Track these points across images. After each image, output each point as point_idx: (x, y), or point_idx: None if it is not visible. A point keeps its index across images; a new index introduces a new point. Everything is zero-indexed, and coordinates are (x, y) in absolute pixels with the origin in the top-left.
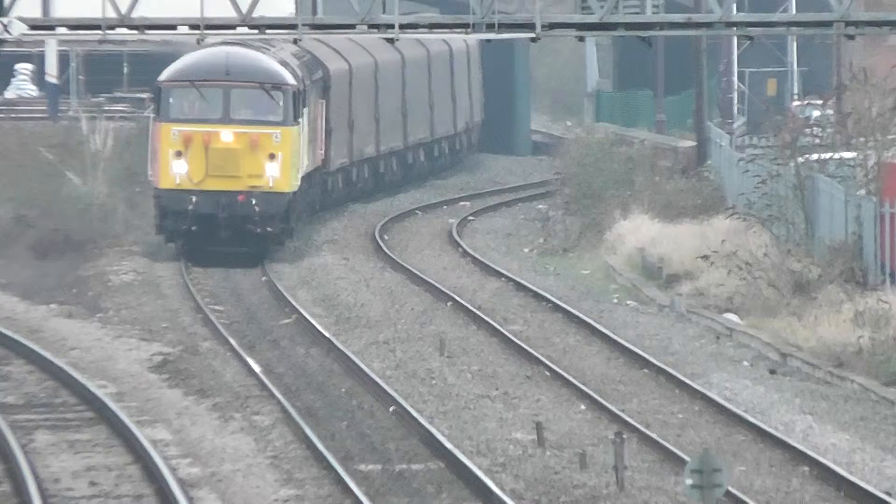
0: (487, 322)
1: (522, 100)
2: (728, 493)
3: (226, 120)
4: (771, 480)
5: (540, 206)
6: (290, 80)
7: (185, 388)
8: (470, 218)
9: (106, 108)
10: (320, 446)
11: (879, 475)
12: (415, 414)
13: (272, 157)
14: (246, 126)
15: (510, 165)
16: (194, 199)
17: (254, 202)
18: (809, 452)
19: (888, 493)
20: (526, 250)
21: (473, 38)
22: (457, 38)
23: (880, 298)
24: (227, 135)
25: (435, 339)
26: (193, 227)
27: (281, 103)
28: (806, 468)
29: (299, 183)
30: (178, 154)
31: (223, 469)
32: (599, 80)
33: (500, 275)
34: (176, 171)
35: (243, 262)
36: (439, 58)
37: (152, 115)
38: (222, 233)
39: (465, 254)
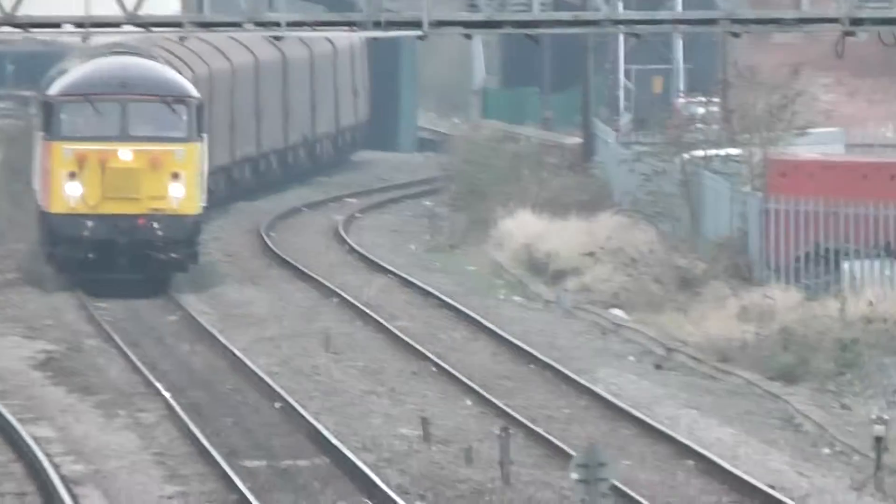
0: (374, 318)
1: (409, 97)
2: (613, 487)
3: (124, 137)
4: (657, 474)
5: (427, 203)
6: (194, 92)
7: (68, 386)
8: (357, 215)
9: None
10: (205, 442)
11: (763, 468)
12: (300, 410)
13: (175, 176)
14: (146, 143)
15: (397, 162)
16: (90, 224)
17: (156, 226)
18: (694, 446)
19: (772, 486)
20: (412, 247)
21: (360, 35)
22: (343, 37)
23: (765, 294)
24: (125, 153)
25: (321, 335)
26: (90, 255)
27: (184, 117)
28: (691, 462)
29: (205, 203)
30: (72, 175)
31: (108, 466)
32: (486, 78)
33: (386, 271)
34: (69, 193)
35: (145, 291)
36: (322, 56)
37: (41, 133)
38: (121, 260)
39: (352, 250)
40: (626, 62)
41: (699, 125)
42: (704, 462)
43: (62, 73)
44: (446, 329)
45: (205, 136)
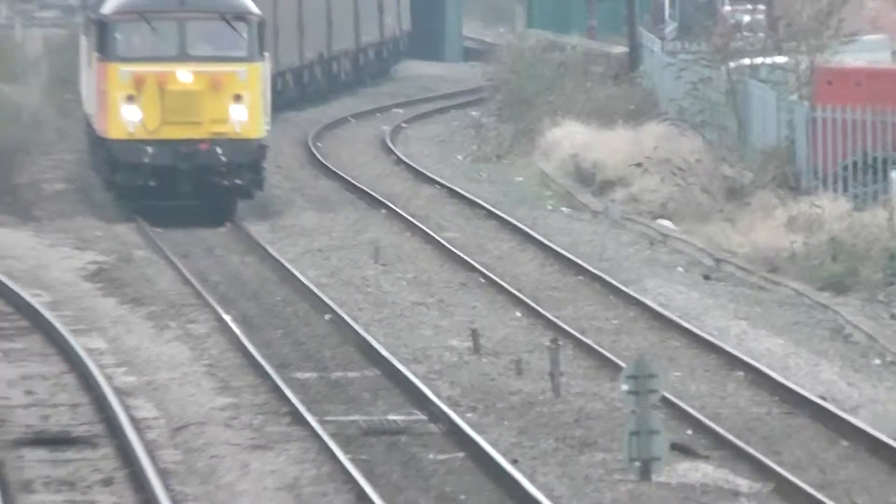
0: (422, 229)
1: (454, 6)
2: (664, 399)
3: (183, 57)
4: (706, 385)
5: (473, 113)
6: (254, 8)
7: (119, 297)
8: (403, 125)
9: (36, 14)
10: (256, 354)
11: (814, 379)
12: (350, 322)
13: (238, 98)
14: (206, 63)
15: (443, 72)
16: (150, 149)
17: (219, 151)
18: (744, 357)
19: (822, 398)
20: (459, 157)
21: None
22: None
23: (813, 203)
24: (184, 74)
25: (370, 246)
26: (151, 182)
27: (245, 36)
28: (741, 373)
29: (269, 126)
30: (130, 98)
31: (159, 377)
32: None
33: (433, 182)
34: (128, 118)
35: (209, 219)
36: None
37: (95, 54)
38: (183, 187)
39: (399, 161)
40: None
41: (745, 33)
42: (754, 373)
43: None
44: (494, 240)
45: (267, 55)
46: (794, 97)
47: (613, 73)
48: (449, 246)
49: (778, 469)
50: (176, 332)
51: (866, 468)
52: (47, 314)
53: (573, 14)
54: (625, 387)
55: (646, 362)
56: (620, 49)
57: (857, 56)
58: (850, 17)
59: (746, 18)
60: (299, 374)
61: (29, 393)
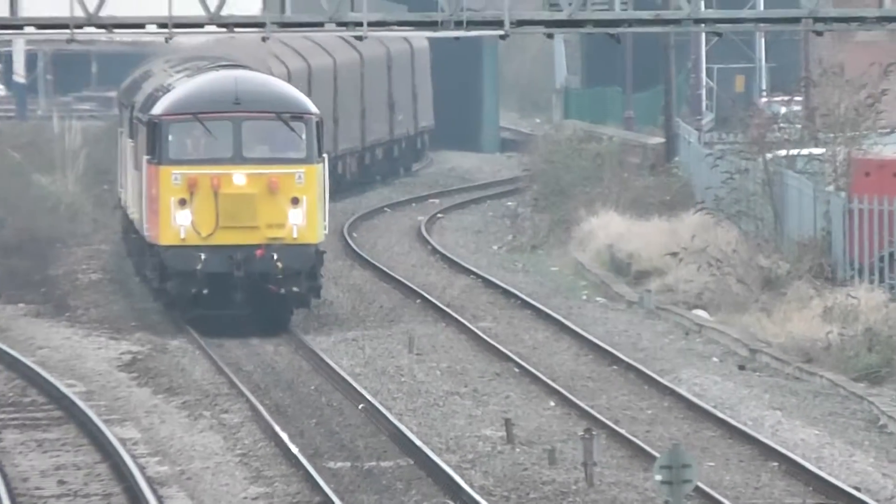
0: (457, 319)
1: (491, 97)
2: (697, 489)
3: (238, 159)
4: (740, 476)
5: (509, 203)
6: (313, 108)
7: (153, 387)
8: (439, 215)
9: (74, 107)
10: (289, 444)
11: (848, 470)
12: (384, 411)
13: (295, 201)
14: (263, 166)
15: (479, 163)
16: (203, 256)
17: (275, 257)
18: (779, 448)
19: (857, 489)
20: (495, 247)
21: (440, 35)
22: (404, 38)
23: (849, 294)
24: (239, 177)
25: (404, 336)
26: (204, 290)
27: (304, 136)
28: (775, 463)
29: (327, 231)
30: (182, 202)
31: (192, 467)
32: (568, 77)
33: (469, 272)
34: (180, 222)
35: (264, 329)
36: (400, 56)
37: (146, 157)
38: (237, 295)
39: (435, 251)
40: (707, 61)
41: (782, 124)
42: (788, 463)
43: (147, 77)
44: (529, 330)
45: (325, 156)
46: (831, 188)
47: (650, 164)
48: (483, 336)
49: None
50: (210, 421)
51: None
52: (81, 404)
53: (610, 105)
54: (658, 477)
55: (680, 452)
56: (657, 140)
57: (894, 148)
58: (889, 107)
59: (783, 110)
60: (332, 464)
61: (62, 483)
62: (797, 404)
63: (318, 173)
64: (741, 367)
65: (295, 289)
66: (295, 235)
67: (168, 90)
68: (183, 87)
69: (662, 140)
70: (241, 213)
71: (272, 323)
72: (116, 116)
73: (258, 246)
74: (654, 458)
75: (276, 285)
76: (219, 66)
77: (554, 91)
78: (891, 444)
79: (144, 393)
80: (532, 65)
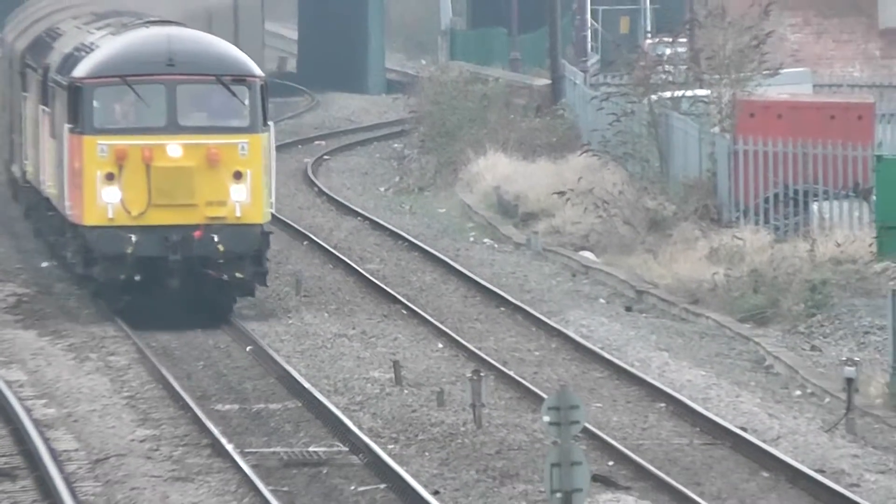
0: (344, 261)
1: (376, 38)
2: (585, 430)
3: (172, 128)
4: (628, 416)
5: (395, 145)
6: (256, 69)
7: (39, 329)
8: (325, 157)
9: None
10: (176, 386)
11: (735, 410)
12: (272, 353)
13: (238, 176)
14: (201, 136)
15: (366, 105)
16: (134, 238)
17: (216, 239)
18: (666, 388)
19: (743, 429)
20: (382, 189)
21: None
22: None
23: (735, 235)
24: (174, 148)
25: (291, 278)
26: (135, 277)
27: (247, 102)
28: (662, 404)
29: (273, 209)
30: (110, 177)
31: (79, 409)
32: (453, 19)
33: (356, 213)
34: (107, 200)
35: (201, 319)
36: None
37: (67, 125)
38: (173, 281)
39: (321, 193)
40: (592, 3)
41: (667, 66)
42: (675, 404)
43: (56, 35)
44: (416, 272)
45: (271, 124)
46: (716, 130)
47: (536, 106)
48: (371, 277)
49: (699, 500)
50: (96, 363)
51: (787, 499)
52: None
53: (496, 46)
54: (546, 418)
55: (567, 393)
56: (543, 82)
57: (778, 89)
58: (773, 50)
59: (668, 51)
60: (220, 406)
61: None
62: (683, 345)
63: (264, 144)
64: (628, 309)
65: (238, 274)
66: (238, 214)
67: (90, 50)
68: (108, 47)
69: (548, 82)
70: (177, 189)
71: (211, 312)
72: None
73: (196, 226)
74: (541, 399)
75: (216, 270)
76: (148, 22)
77: (440, 32)
78: (776, 384)
79: (30, 335)
80: (418, 5)
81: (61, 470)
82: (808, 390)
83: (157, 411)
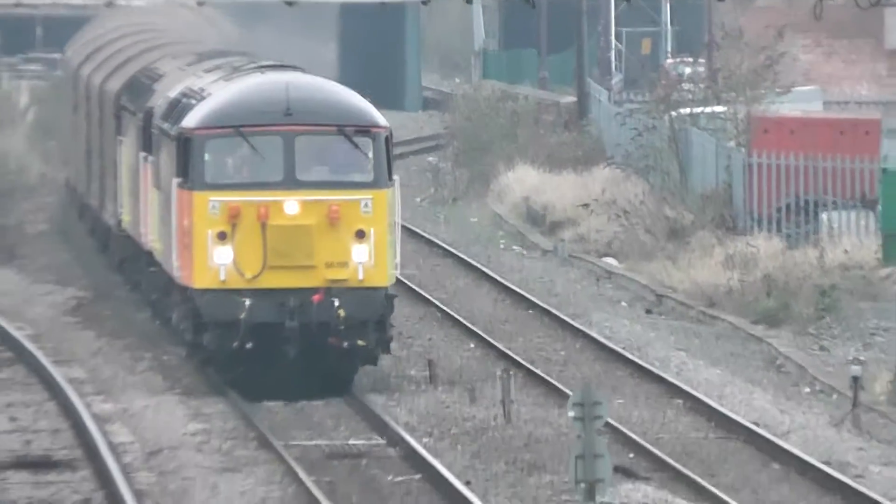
0: None
1: (413, 59)
2: (608, 424)
3: (290, 183)
4: (648, 412)
5: (431, 159)
6: (381, 119)
7: (97, 330)
8: None
9: (21, 67)
10: (225, 384)
11: (748, 406)
12: None
13: (361, 235)
14: (320, 191)
15: (403, 120)
16: (248, 302)
17: (336, 304)
18: (683, 386)
19: (756, 423)
20: (418, 200)
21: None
22: None
23: (748, 243)
24: (292, 205)
25: None
26: (248, 344)
27: (370, 155)
28: (680, 401)
29: (398, 271)
30: (222, 236)
31: (135, 405)
32: (486, 40)
33: None
34: (219, 261)
35: (320, 389)
36: None
37: (176, 179)
38: (290, 349)
39: None
40: (616, 25)
41: (686, 84)
42: (692, 401)
43: (156, 76)
44: (450, 277)
45: (396, 178)
46: (732, 144)
47: (563, 122)
48: (408, 282)
49: (714, 490)
50: (151, 362)
51: (796, 489)
52: (30, 346)
53: (525, 66)
54: (571, 413)
55: (591, 390)
56: (570, 99)
57: (791, 106)
58: (785, 69)
59: (687, 70)
60: (267, 402)
61: (13, 419)
62: (700, 346)
63: (389, 200)
64: (648, 311)
65: (360, 342)
66: (360, 277)
67: (201, 97)
68: (221, 94)
69: (575, 99)
70: (295, 249)
71: (331, 383)
72: (60, 77)
73: (315, 290)
74: (567, 396)
75: (337, 338)
76: (262, 66)
77: (473, 53)
78: (787, 382)
79: (89, 336)
80: (452, 28)
81: (118, 461)
82: (817, 388)
83: (209, 406)
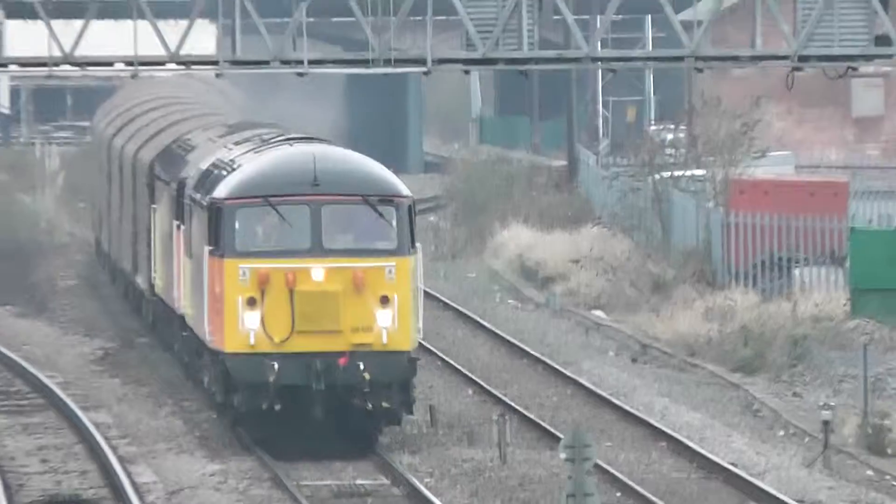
0: None
1: (415, 123)
2: (597, 466)
3: (317, 251)
4: (634, 454)
5: (431, 218)
6: (404, 189)
7: (123, 378)
8: None
9: (52, 134)
10: (254, 443)
11: (727, 448)
12: None
13: (385, 301)
14: (346, 259)
15: (406, 182)
16: (277, 365)
17: (362, 367)
18: (667, 429)
19: (734, 464)
20: None
21: (371, 72)
22: None
23: (727, 296)
24: (318, 272)
25: None
26: (277, 406)
27: (394, 223)
28: (664, 443)
29: (421, 335)
30: (251, 302)
31: (158, 447)
32: (482, 107)
33: None
34: (248, 326)
35: (346, 448)
36: None
37: (207, 247)
38: (317, 410)
39: None
40: (603, 94)
41: (668, 149)
42: (675, 443)
43: (188, 147)
44: (450, 328)
45: (419, 245)
46: (711, 204)
47: (554, 184)
48: None
49: None
50: (172, 408)
51: None
52: (60, 393)
53: (519, 131)
54: (563, 455)
55: (581, 434)
56: (560, 162)
57: (765, 169)
58: (760, 135)
59: (669, 136)
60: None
61: (44, 461)
62: (682, 392)
63: (412, 267)
64: (634, 360)
65: (385, 404)
66: (385, 341)
67: (231, 168)
68: (250, 166)
69: (565, 163)
70: (321, 314)
71: (355, 441)
72: (89, 143)
73: (341, 353)
74: (558, 438)
75: (362, 399)
76: (291, 139)
77: (470, 120)
78: (763, 426)
79: (115, 383)
80: (451, 96)
81: (142, 500)
82: (791, 431)
83: (226, 448)
